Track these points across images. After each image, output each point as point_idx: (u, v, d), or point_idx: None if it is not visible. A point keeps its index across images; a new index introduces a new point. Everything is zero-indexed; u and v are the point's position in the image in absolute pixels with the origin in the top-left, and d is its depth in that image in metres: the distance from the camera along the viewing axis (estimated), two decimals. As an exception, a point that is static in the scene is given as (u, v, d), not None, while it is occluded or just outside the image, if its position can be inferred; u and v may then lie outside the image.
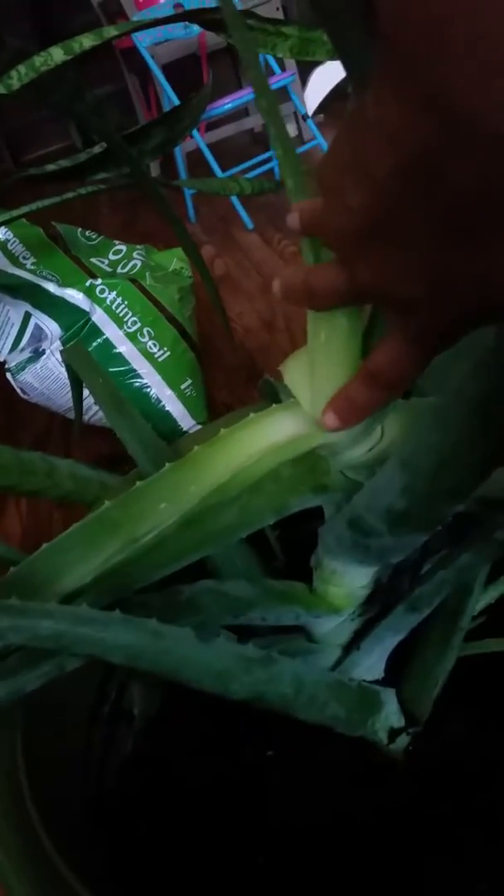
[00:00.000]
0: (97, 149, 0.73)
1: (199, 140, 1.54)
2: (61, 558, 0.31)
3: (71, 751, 0.36)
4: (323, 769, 0.38)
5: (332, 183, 0.21)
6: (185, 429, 0.93)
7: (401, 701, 0.37)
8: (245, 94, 1.67)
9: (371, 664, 0.37)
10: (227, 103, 1.60)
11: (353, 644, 0.36)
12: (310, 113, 1.99)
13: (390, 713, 0.36)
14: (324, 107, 2.18)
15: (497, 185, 0.16)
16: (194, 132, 1.43)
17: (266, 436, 0.31)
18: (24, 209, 0.74)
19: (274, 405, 0.33)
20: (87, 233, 1.04)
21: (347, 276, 0.23)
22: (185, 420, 0.93)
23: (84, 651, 0.29)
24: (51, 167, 0.77)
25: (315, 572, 0.36)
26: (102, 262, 0.99)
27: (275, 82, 1.68)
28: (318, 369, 0.30)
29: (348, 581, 0.35)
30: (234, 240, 1.50)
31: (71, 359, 0.48)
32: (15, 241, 0.97)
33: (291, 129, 2.20)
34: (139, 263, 0.98)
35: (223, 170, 1.55)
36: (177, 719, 0.31)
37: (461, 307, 0.20)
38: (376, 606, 0.36)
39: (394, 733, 0.36)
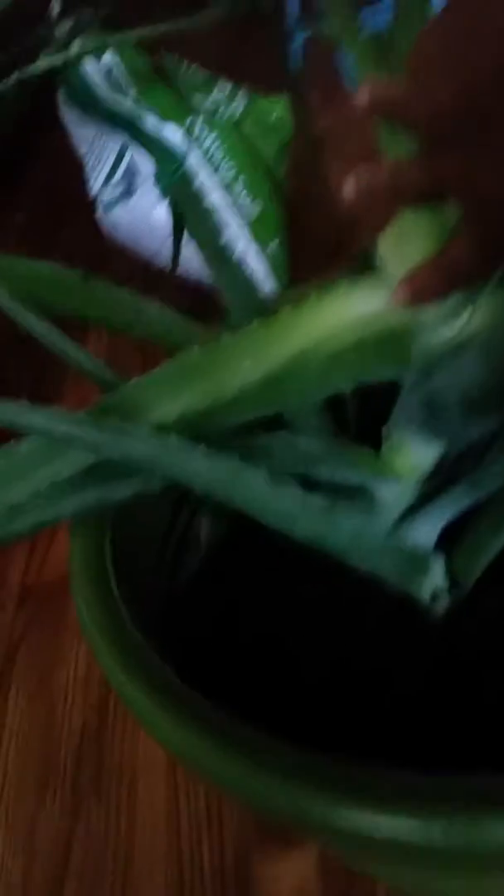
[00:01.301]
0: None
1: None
2: (152, 391, 0.35)
3: (147, 562, 0.41)
4: (370, 610, 0.42)
5: (430, 61, 0.21)
6: (265, 291, 0.94)
7: (449, 568, 0.40)
8: None
9: (427, 531, 0.40)
10: None
11: (412, 511, 0.39)
12: None
13: (436, 576, 0.39)
14: None
15: None
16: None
17: (354, 307, 0.33)
18: (135, 33, 0.73)
19: (366, 277, 0.34)
20: (193, 67, 1.02)
21: (434, 173, 0.23)
22: (266, 281, 0.94)
23: (169, 475, 0.32)
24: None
25: (385, 442, 0.39)
26: (205, 101, 0.97)
27: None
28: (407, 244, 0.31)
29: (415, 453, 0.38)
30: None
31: (177, 195, 0.49)
32: (120, 69, 0.96)
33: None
34: (241, 107, 0.95)
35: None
36: (240, 549, 0.35)
37: None
38: (439, 479, 0.39)
39: (436, 594, 0.40)
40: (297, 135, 0.96)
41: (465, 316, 0.33)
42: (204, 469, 0.32)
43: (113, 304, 0.50)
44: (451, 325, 0.33)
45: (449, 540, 0.41)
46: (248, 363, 0.34)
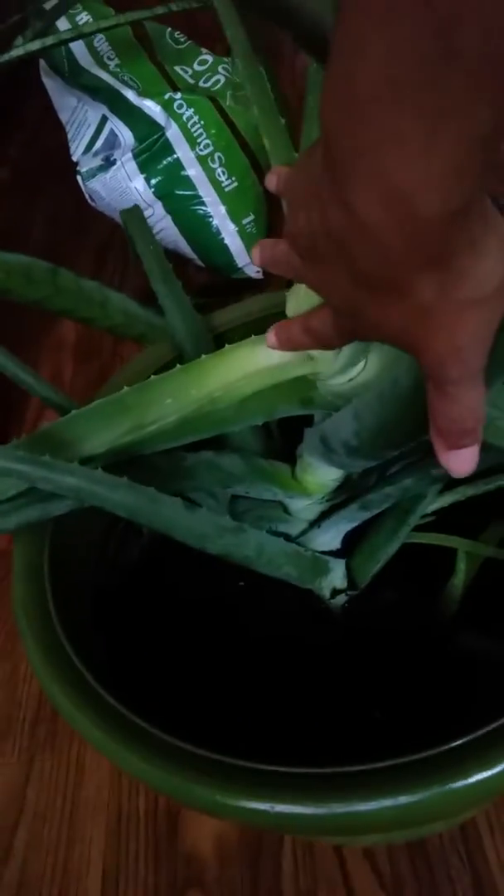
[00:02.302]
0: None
1: None
2: (85, 424, 0.41)
3: (87, 556, 0.48)
4: (279, 603, 0.49)
5: (290, 191, 0.27)
6: (240, 265, 0.98)
7: (347, 569, 0.47)
8: None
9: (329, 539, 0.46)
10: None
11: (317, 522, 0.45)
12: None
13: (335, 577, 0.46)
14: None
15: (378, 267, 0.22)
16: None
17: (264, 357, 0.39)
18: (131, 15, 0.75)
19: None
20: (175, 34, 1.03)
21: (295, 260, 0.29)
22: (241, 256, 0.98)
23: (96, 504, 0.39)
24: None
25: (298, 461, 0.45)
26: (186, 72, 0.99)
27: None
28: (301, 304, 0.36)
29: (321, 474, 0.44)
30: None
31: (126, 220, 0.54)
32: (101, 39, 0.98)
33: None
34: (222, 80, 0.98)
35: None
36: (174, 546, 0.41)
37: (359, 325, 0.26)
38: (342, 496, 0.45)
39: (335, 592, 0.47)
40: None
41: (359, 366, 0.39)
42: (126, 499, 0.38)
43: (79, 296, 0.54)
44: (346, 374, 0.39)
45: (349, 546, 0.48)
46: (169, 402, 0.40)
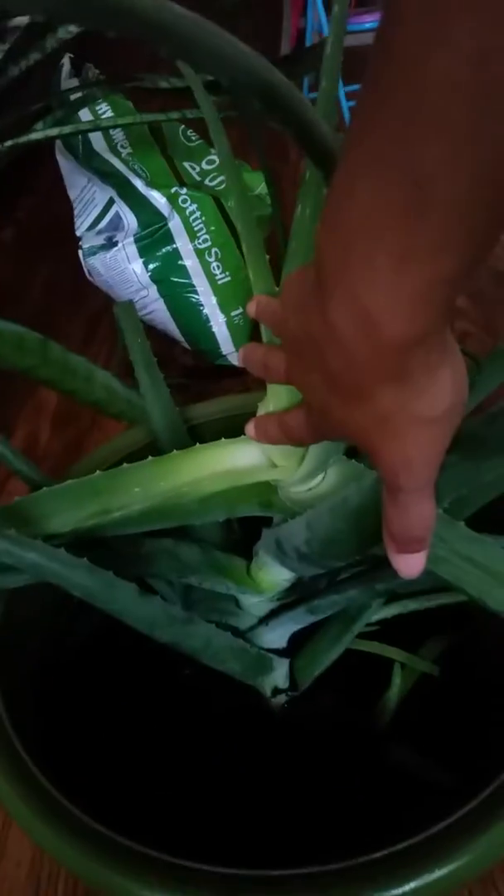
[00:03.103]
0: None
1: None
2: (53, 503, 0.42)
3: (37, 627, 0.49)
4: (223, 695, 0.50)
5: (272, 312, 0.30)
6: (224, 353, 1.02)
7: (290, 669, 0.48)
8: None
9: (276, 637, 0.48)
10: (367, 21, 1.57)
11: (266, 619, 0.47)
12: None
13: (278, 676, 0.48)
14: None
15: (346, 372, 0.25)
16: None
17: (231, 459, 0.41)
18: (148, 116, 0.80)
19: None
20: (188, 132, 1.09)
21: (283, 366, 0.32)
22: (226, 345, 1.02)
23: (54, 581, 0.40)
24: (164, 84, 0.83)
25: (254, 558, 0.47)
26: (194, 169, 1.05)
27: None
28: (275, 405, 0.39)
29: (274, 573, 0.46)
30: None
31: (120, 314, 0.57)
32: (117, 130, 1.03)
33: None
34: (226, 182, 1.03)
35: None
36: (126, 626, 0.43)
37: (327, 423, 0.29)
38: (292, 597, 0.47)
39: (277, 691, 0.48)
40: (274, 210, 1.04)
41: (319, 477, 0.42)
42: (83, 580, 0.39)
43: (65, 369, 0.56)
44: (306, 483, 0.41)
45: (295, 645, 0.49)
46: (138, 490, 0.42)
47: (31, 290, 1.25)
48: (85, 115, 0.99)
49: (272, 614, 0.47)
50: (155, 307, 1.04)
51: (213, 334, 1.02)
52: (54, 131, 0.75)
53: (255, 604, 0.48)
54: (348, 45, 0.46)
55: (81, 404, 0.59)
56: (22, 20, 0.73)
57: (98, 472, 0.43)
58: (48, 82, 0.91)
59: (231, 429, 0.42)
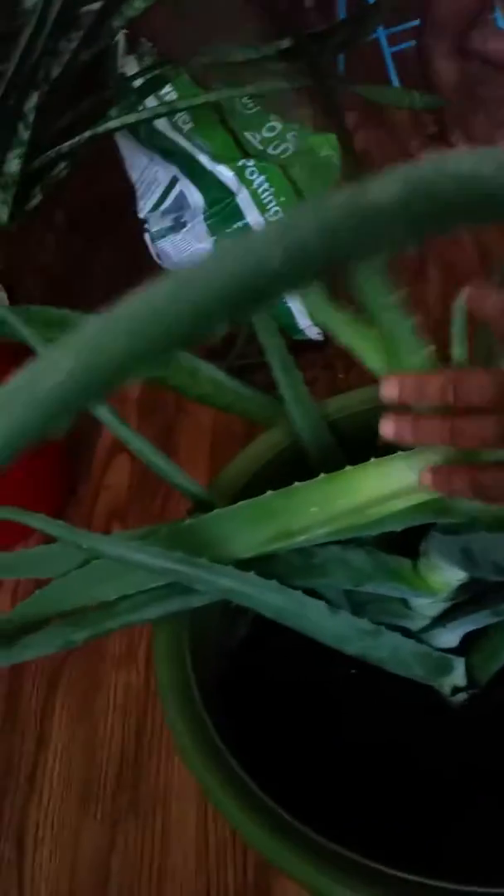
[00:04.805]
0: (284, 43, 0.75)
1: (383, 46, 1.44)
2: (228, 526, 0.41)
3: (209, 639, 0.48)
4: (395, 693, 0.49)
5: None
6: (301, 326, 0.99)
7: (467, 666, 0.47)
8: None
9: (453, 637, 0.47)
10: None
11: (441, 620, 0.46)
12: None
13: (457, 676, 0.46)
14: None
15: None
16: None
17: (414, 474, 0.39)
18: (212, 95, 0.77)
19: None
20: (243, 99, 1.05)
21: None
22: (301, 318, 0.99)
23: (245, 604, 0.39)
24: (239, 56, 0.79)
25: (421, 558, 0.45)
26: (255, 138, 1.01)
27: None
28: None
29: (448, 575, 0.44)
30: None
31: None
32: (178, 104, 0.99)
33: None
34: (290, 148, 1.00)
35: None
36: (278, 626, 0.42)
37: None
38: (467, 596, 0.46)
39: (456, 690, 0.47)
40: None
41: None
42: (275, 601, 0.38)
43: (172, 365, 0.55)
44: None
45: (467, 641, 0.48)
46: (315, 510, 0.40)
47: (93, 277, 1.23)
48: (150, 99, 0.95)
49: (448, 615, 0.46)
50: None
51: (288, 309, 0.99)
52: (131, 118, 0.72)
53: (428, 604, 0.46)
54: None
55: (189, 399, 0.58)
56: (94, 5, 0.69)
57: (269, 492, 0.41)
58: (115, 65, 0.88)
59: (374, 423, 0.40)
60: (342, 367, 1.00)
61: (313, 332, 1.01)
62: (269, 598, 0.38)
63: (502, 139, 0.83)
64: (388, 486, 0.40)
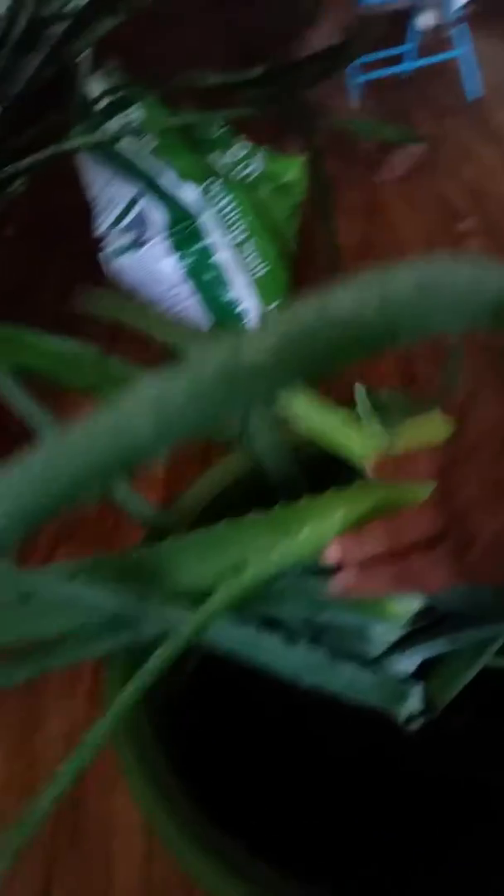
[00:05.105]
0: (257, 70, 0.75)
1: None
2: (182, 556, 0.40)
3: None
4: (351, 720, 0.48)
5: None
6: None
7: (425, 690, 0.47)
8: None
9: (410, 663, 0.46)
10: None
11: (399, 646, 0.46)
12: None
13: (413, 703, 0.46)
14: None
15: None
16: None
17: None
18: (184, 118, 0.77)
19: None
20: (213, 122, 1.05)
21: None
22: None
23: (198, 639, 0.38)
24: (213, 80, 0.80)
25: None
26: (220, 160, 1.01)
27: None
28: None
29: (405, 603, 0.44)
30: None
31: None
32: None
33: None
34: (256, 171, 1.00)
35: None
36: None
37: None
38: (424, 622, 0.46)
39: (412, 716, 0.47)
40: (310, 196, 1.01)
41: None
42: (229, 636, 0.38)
43: (125, 382, 0.53)
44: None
45: (425, 667, 0.48)
46: (266, 541, 0.40)
47: (43, 293, 1.20)
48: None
49: (405, 641, 0.46)
50: (188, 304, 1.01)
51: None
52: (96, 137, 0.71)
53: (386, 630, 0.46)
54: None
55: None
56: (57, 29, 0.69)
57: (224, 522, 0.41)
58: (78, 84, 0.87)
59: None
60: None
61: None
62: (222, 633, 0.38)
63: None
64: (338, 522, 0.39)
